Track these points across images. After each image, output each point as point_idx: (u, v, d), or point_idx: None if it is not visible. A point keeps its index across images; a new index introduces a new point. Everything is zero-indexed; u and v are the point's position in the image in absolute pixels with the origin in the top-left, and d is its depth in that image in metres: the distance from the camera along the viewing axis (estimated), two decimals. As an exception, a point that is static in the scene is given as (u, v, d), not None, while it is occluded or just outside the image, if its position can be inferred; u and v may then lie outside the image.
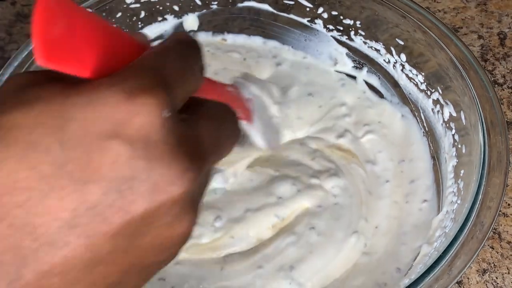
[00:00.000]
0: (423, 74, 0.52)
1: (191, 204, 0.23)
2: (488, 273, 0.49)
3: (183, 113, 0.23)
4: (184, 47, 0.25)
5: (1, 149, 0.20)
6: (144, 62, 0.23)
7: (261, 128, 0.41)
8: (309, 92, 0.57)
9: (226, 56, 0.60)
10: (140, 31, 0.27)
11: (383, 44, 0.55)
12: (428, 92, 0.52)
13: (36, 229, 0.20)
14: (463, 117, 0.47)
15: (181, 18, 0.59)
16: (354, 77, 0.58)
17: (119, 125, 0.20)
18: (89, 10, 0.22)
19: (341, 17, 0.57)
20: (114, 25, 0.24)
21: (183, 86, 0.24)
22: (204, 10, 0.59)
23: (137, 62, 0.23)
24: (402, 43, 0.53)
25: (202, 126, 0.24)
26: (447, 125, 0.49)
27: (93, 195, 0.20)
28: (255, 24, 0.61)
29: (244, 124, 0.39)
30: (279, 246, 0.46)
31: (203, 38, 0.61)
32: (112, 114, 0.20)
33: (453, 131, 0.48)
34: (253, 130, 0.40)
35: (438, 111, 0.50)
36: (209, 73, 0.61)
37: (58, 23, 0.20)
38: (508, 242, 0.51)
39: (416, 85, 0.53)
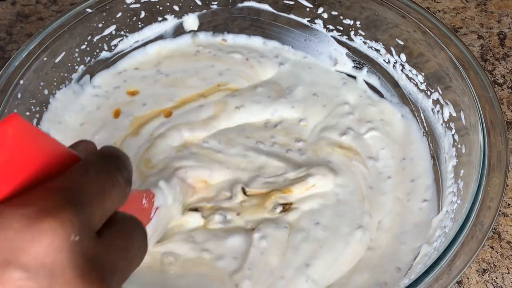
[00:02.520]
0: (423, 74, 0.52)
1: None
2: (488, 273, 0.49)
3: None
4: (106, 161, 0.24)
5: None
6: (59, 181, 0.22)
7: (150, 235, 0.41)
8: (314, 92, 0.57)
9: (229, 57, 0.60)
10: (90, 140, 0.28)
11: (383, 44, 0.55)
12: (428, 92, 0.52)
13: None
14: (463, 117, 0.47)
15: (181, 18, 0.59)
16: (354, 77, 0.58)
17: (20, 253, 0.19)
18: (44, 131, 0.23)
19: (341, 17, 0.57)
20: (56, 141, 0.23)
21: (103, 203, 0.22)
22: (204, 10, 0.59)
23: (52, 182, 0.22)
24: (402, 43, 0.53)
25: (117, 245, 0.23)
26: (447, 125, 0.49)
27: None
28: (255, 24, 0.61)
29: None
30: (294, 244, 0.46)
31: (203, 38, 0.61)
32: (13, 242, 0.19)
33: (453, 131, 0.48)
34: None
35: (438, 111, 0.50)
36: (214, 73, 0.61)
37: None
38: (508, 242, 0.51)
39: (416, 85, 0.53)
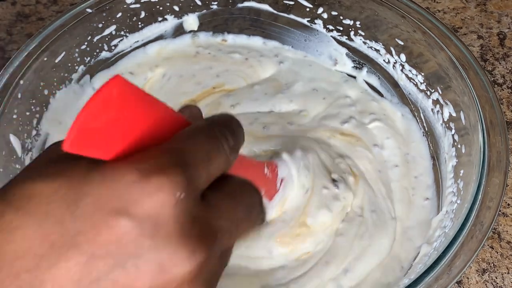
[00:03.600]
0: (422, 74, 0.52)
1: (203, 285, 0.23)
2: (488, 273, 0.49)
3: (205, 190, 0.24)
4: (215, 127, 0.25)
5: (20, 217, 0.22)
6: (170, 143, 0.24)
7: (275, 205, 0.43)
8: (313, 87, 0.57)
9: (228, 58, 0.60)
10: (194, 105, 0.29)
11: (383, 44, 0.55)
12: (428, 92, 0.52)
13: None
14: (462, 117, 0.47)
15: (181, 18, 0.59)
16: (354, 77, 0.58)
17: (130, 203, 0.21)
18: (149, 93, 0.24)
19: (341, 17, 0.57)
20: (164, 105, 0.24)
21: (208, 167, 0.24)
22: (204, 10, 0.59)
23: (163, 144, 0.23)
24: (402, 43, 0.53)
25: (220, 205, 0.25)
26: (447, 125, 0.49)
27: (98, 269, 0.21)
28: (255, 24, 0.61)
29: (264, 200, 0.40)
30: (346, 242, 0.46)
31: (203, 38, 0.61)
32: (124, 192, 0.21)
33: (453, 131, 0.48)
34: (269, 206, 0.42)
35: (437, 111, 0.50)
36: (210, 76, 0.61)
37: (104, 115, 0.21)
38: (508, 242, 0.51)
39: (416, 85, 0.53)
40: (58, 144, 0.24)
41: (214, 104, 0.55)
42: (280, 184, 0.42)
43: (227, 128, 0.26)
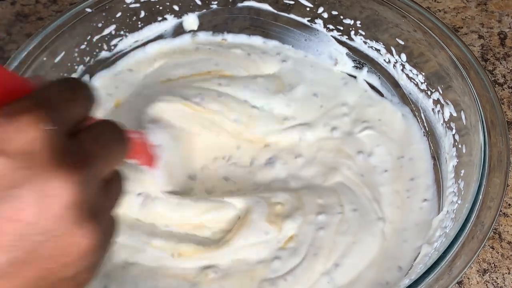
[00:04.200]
0: (423, 74, 0.52)
1: (90, 211, 0.24)
2: (489, 273, 0.49)
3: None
4: (69, 82, 0.27)
5: None
6: (27, 94, 0.25)
7: (163, 172, 0.45)
8: (314, 92, 0.57)
9: (229, 52, 0.60)
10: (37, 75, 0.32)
11: (384, 44, 0.55)
12: (429, 92, 0.52)
13: None
14: (463, 117, 0.47)
15: (181, 18, 0.59)
16: (354, 77, 0.58)
17: (4, 141, 0.22)
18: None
19: (341, 17, 0.57)
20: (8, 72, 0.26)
21: (68, 109, 0.26)
22: (204, 10, 0.59)
23: (24, 95, 0.25)
24: (402, 43, 0.53)
25: (86, 135, 0.26)
26: (448, 125, 0.49)
27: None
28: (255, 24, 0.61)
29: (146, 168, 0.44)
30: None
31: (203, 38, 0.61)
32: None
33: (454, 131, 0.48)
34: (154, 173, 0.45)
35: (438, 111, 0.50)
36: (210, 64, 0.60)
37: None
38: (509, 242, 0.51)
39: (417, 85, 0.53)
40: None
41: (203, 81, 0.55)
42: (153, 151, 0.45)
43: (78, 81, 0.28)
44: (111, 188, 0.28)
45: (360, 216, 0.47)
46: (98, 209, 0.25)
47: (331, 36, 0.58)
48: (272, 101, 0.55)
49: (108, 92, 0.56)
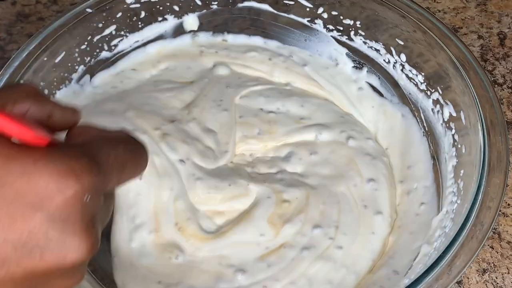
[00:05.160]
0: (423, 74, 0.52)
1: (80, 268, 0.27)
2: (488, 273, 0.49)
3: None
4: (131, 142, 0.30)
5: None
6: (92, 145, 0.27)
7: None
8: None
9: (244, 56, 0.60)
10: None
11: (383, 44, 0.55)
12: (428, 92, 0.52)
13: None
14: (463, 117, 0.47)
15: (181, 18, 0.59)
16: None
17: (45, 200, 0.24)
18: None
19: (341, 17, 0.57)
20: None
21: (121, 176, 0.28)
22: (204, 10, 0.59)
23: (84, 143, 0.27)
24: (402, 43, 0.53)
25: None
26: (447, 125, 0.49)
27: (7, 252, 0.24)
28: (255, 24, 0.61)
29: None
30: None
31: (203, 38, 0.61)
32: (42, 189, 0.24)
33: (453, 131, 0.48)
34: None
35: (438, 111, 0.50)
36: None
37: None
38: (508, 242, 0.51)
39: (416, 85, 0.53)
40: None
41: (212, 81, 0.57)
42: None
43: (139, 146, 0.31)
44: (111, 201, 0.32)
45: (346, 251, 0.47)
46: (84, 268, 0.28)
47: (331, 36, 0.58)
48: (287, 102, 0.56)
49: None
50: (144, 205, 0.45)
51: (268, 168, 0.52)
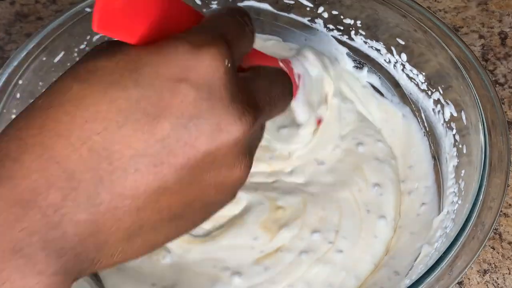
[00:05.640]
0: (423, 74, 0.52)
1: (247, 149, 0.26)
2: (489, 273, 0.49)
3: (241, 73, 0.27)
4: (236, 13, 0.29)
5: (86, 86, 0.23)
6: (205, 24, 0.27)
7: (302, 104, 0.45)
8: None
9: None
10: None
11: (384, 44, 0.55)
12: (429, 92, 0.52)
13: (111, 154, 0.22)
14: (464, 117, 0.47)
15: (181, 17, 0.59)
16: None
17: (187, 70, 0.24)
18: None
19: (342, 17, 0.57)
20: None
21: (239, 44, 0.27)
22: (204, 10, 0.59)
23: (199, 24, 0.27)
24: (402, 42, 0.53)
25: (257, 81, 0.28)
26: (448, 125, 0.49)
27: (162, 129, 0.23)
28: (255, 24, 0.60)
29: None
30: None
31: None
32: (181, 60, 0.24)
33: (454, 131, 0.48)
34: (295, 104, 0.44)
35: (438, 111, 0.50)
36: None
37: None
38: (509, 243, 0.51)
39: (417, 85, 0.53)
40: (102, 43, 0.26)
41: None
42: (299, 80, 0.44)
43: (244, 14, 0.29)
44: (262, 130, 0.30)
45: (346, 254, 0.46)
46: (253, 149, 0.28)
47: (331, 36, 0.58)
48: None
49: None
50: None
51: (265, 178, 0.51)
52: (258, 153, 0.50)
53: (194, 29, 0.26)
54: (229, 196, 0.28)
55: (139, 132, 0.23)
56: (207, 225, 0.47)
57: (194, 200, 0.25)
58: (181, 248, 0.45)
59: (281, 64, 0.41)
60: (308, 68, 0.45)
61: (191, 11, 0.28)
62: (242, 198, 0.48)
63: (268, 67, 0.30)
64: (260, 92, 0.28)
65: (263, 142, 0.51)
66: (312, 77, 0.45)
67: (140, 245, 0.25)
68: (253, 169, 0.49)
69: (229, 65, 0.25)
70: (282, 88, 0.30)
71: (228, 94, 0.24)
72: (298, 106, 0.45)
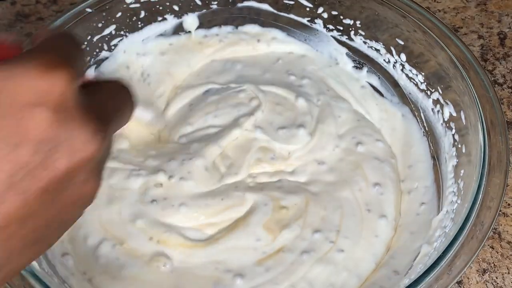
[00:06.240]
0: (423, 74, 0.52)
1: (99, 165, 0.27)
2: (488, 273, 0.49)
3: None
4: (67, 39, 0.28)
5: None
6: (46, 44, 0.26)
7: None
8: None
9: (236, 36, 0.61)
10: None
11: (383, 44, 0.55)
12: (428, 92, 0.52)
13: None
14: (463, 117, 0.47)
15: (181, 18, 0.59)
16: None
17: (42, 94, 0.23)
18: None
19: (341, 17, 0.57)
20: None
21: (76, 65, 0.27)
22: (204, 10, 0.59)
23: (39, 44, 0.26)
24: (402, 43, 0.53)
25: (101, 96, 0.28)
26: (447, 125, 0.49)
27: (24, 156, 0.23)
28: (255, 24, 0.61)
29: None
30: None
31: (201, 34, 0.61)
32: (35, 85, 0.23)
33: (453, 131, 0.48)
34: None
35: (438, 111, 0.50)
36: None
37: None
38: (508, 242, 0.51)
39: (416, 85, 0.53)
40: None
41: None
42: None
43: (72, 42, 0.29)
44: (110, 146, 0.30)
45: (347, 254, 0.46)
46: (103, 163, 0.28)
47: (331, 36, 0.58)
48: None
49: None
50: (91, 225, 0.46)
51: (269, 178, 0.51)
52: (260, 154, 0.52)
53: (40, 48, 0.25)
54: (82, 211, 0.28)
55: (4, 161, 0.23)
56: (210, 231, 0.47)
57: (54, 220, 0.26)
58: (183, 254, 0.45)
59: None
60: None
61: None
62: (249, 199, 0.48)
63: (106, 82, 0.30)
64: (106, 106, 0.28)
65: (263, 143, 0.52)
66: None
67: (4, 275, 0.25)
68: (257, 170, 0.51)
69: (76, 85, 0.25)
70: (126, 97, 0.30)
71: (80, 113, 0.25)
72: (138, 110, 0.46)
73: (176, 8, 0.58)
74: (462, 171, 0.45)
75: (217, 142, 0.51)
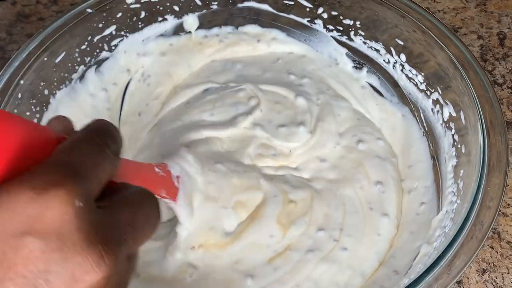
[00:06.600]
0: (422, 74, 0.52)
1: (116, 287, 0.24)
2: (488, 272, 0.49)
3: (101, 201, 0.24)
4: (95, 135, 0.26)
5: None
6: (55, 157, 0.24)
7: (184, 205, 0.43)
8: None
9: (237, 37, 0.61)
10: (63, 116, 0.30)
11: (383, 44, 0.55)
12: (428, 92, 0.52)
13: None
14: (462, 117, 0.47)
15: (181, 18, 0.59)
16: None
17: (32, 221, 0.21)
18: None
19: (341, 17, 0.57)
20: (33, 123, 0.25)
21: (97, 174, 0.24)
22: (204, 10, 0.59)
23: (48, 158, 0.24)
24: (401, 43, 0.53)
25: (118, 212, 0.25)
26: (447, 125, 0.49)
27: None
28: (255, 24, 0.61)
29: (168, 202, 0.41)
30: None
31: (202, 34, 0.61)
32: (23, 211, 0.21)
33: (453, 131, 0.48)
34: (177, 208, 0.42)
35: (437, 111, 0.50)
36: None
37: None
38: (508, 242, 0.51)
39: (416, 85, 0.53)
40: None
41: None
42: (178, 181, 0.43)
43: (105, 134, 0.26)
44: (134, 260, 0.27)
45: (351, 253, 0.47)
46: (122, 284, 0.25)
47: (331, 36, 0.59)
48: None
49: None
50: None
51: (275, 171, 0.51)
52: (261, 150, 0.52)
53: (40, 167, 0.23)
54: None
55: None
56: (243, 214, 0.47)
57: None
58: (213, 255, 0.45)
59: (157, 170, 0.40)
60: (186, 169, 0.44)
61: (48, 135, 0.25)
62: (263, 185, 0.49)
63: (130, 190, 0.27)
64: (123, 222, 0.25)
65: (263, 141, 0.52)
66: (192, 177, 0.44)
67: None
68: (262, 164, 0.51)
69: (81, 204, 0.22)
70: (148, 212, 0.27)
71: (82, 237, 0.22)
72: (179, 209, 0.43)
73: (176, 8, 0.58)
74: (462, 171, 0.45)
75: (200, 130, 0.52)
